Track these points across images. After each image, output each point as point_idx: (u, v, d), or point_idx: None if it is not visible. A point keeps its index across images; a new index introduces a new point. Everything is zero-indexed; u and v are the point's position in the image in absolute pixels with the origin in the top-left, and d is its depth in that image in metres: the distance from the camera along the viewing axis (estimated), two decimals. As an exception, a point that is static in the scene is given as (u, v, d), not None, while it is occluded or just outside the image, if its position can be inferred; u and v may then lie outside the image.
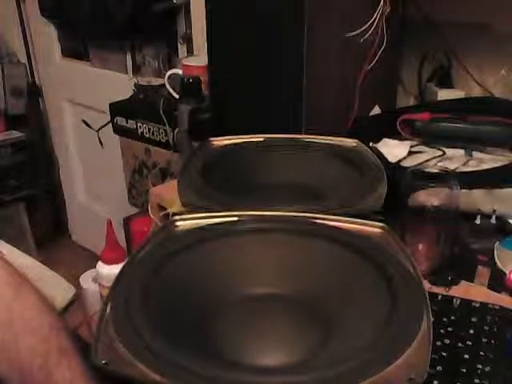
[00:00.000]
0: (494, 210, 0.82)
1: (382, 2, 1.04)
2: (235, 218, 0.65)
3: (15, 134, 2.29)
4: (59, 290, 0.80)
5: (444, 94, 1.17)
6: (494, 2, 1.10)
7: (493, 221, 0.82)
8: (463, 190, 0.80)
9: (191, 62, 1.32)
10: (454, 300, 0.68)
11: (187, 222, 0.65)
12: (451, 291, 0.72)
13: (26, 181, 2.33)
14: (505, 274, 0.74)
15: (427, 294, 0.52)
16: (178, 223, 0.65)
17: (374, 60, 1.08)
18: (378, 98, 1.18)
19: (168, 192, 1.11)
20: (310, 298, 0.58)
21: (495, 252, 0.77)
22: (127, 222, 1.37)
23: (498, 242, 0.79)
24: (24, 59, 2.36)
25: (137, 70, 1.94)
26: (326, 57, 1.01)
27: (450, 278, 0.74)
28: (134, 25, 1.76)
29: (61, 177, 2.56)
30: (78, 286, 0.84)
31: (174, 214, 0.66)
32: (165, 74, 1.38)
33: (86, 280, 0.82)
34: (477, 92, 1.18)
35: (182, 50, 1.70)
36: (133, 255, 0.60)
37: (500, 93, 1.15)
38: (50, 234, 2.54)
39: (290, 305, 0.59)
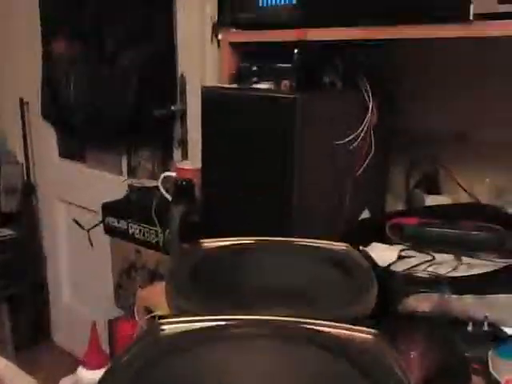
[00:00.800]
0: (486, 317, 0.81)
1: (369, 113, 1.09)
2: (223, 323, 0.64)
3: (6, 232, 2.28)
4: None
5: (431, 200, 1.20)
6: (475, 115, 1.16)
7: (485, 328, 0.81)
8: (454, 296, 0.80)
9: (185, 165, 1.36)
10: (450, 412, 0.65)
11: (173, 325, 0.64)
12: (446, 403, 0.69)
13: (12, 279, 2.29)
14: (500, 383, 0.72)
15: (421, 406, 0.50)
16: (164, 327, 0.63)
17: (362, 166, 1.11)
18: (368, 203, 1.21)
19: (155, 294, 1.09)
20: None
21: (489, 360, 0.75)
22: (112, 324, 1.33)
23: (491, 350, 0.77)
24: (22, 159, 2.42)
25: (132, 172, 1.98)
26: (316, 164, 1.05)
27: (444, 389, 0.71)
28: (132, 128, 1.82)
29: (47, 275, 2.52)
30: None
31: (161, 318, 0.65)
32: (159, 177, 1.41)
33: (66, 386, 0.78)
34: (463, 198, 1.21)
35: (177, 153, 1.75)
36: (116, 360, 0.58)
37: (486, 199, 1.18)
38: (31, 336, 2.45)
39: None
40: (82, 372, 0.88)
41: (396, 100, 1.23)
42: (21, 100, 2.33)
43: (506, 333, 0.82)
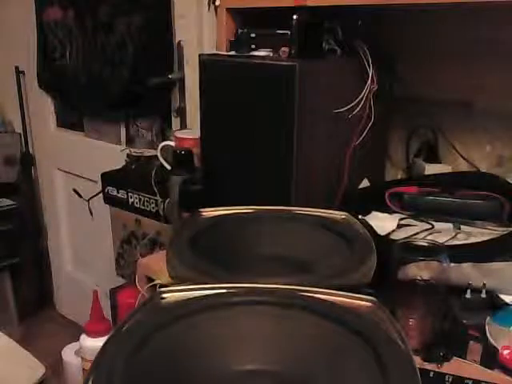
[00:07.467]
0: (484, 284, 0.82)
1: (369, 80, 1.08)
2: (223, 291, 0.64)
3: (6, 202, 2.29)
4: (27, 370, 0.76)
5: (431, 169, 1.19)
6: (477, 82, 1.15)
7: (483, 295, 0.82)
8: (452, 264, 0.80)
9: (184, 134, 1.35)
10: (447, 377, 0.66)
11: (174, 294, 0.64)
12: (443, 368, 0.70)
13: (13, 249, 2.31)
14: (497, 350, 0.73)
15: (418, 371, 0.51)
16: (164, 295, 0.64)
17: (362, 135, 1.11)
18: (367, 172, 1.20)
19: (156, 263, 1.10)
20: (297, 374, 0.56)
21: (486, 327, 0.76)
22: (114, 293, 1.35)
23: (488, 317, 0.78)
24: (19, 129, 2.41)
25: (130, 141, 1.97)
26: (316, 132, 1.04)
27: (442, 354, 0.72)
28: (130, 97, 1.80)
29: (48, 245, 2.53)
30: (59, 359, 0.82)
31: (162, 286, 0.65)
32: (158, 146, 1.40)
33: (68, 353, 0.79)
34: (463, 167, 1.21)
35: (175, 122, 1.74)
36: (118, 328, 0.58)
37: (485, 168, 1.18)
38: (33, 304, 2.48)
39: (278, 381, 0.57)
40: (85, 340, 0.90)
41: (396, 67, 1.22)
42: (16, 68, 2.30)
43: (503, 300, 0.83)
